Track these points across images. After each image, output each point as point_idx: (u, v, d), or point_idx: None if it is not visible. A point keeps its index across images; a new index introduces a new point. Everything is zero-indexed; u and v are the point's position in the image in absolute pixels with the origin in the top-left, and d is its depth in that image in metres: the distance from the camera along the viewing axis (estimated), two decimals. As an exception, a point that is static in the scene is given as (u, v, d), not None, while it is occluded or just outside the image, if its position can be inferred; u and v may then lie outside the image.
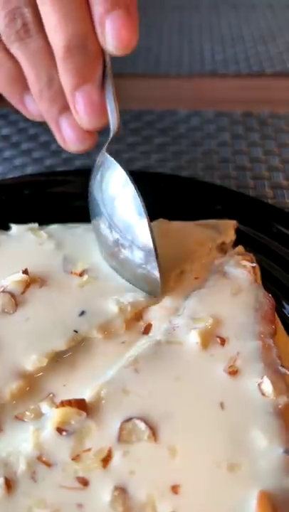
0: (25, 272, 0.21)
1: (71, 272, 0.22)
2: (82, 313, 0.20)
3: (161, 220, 0.23)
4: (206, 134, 0.35)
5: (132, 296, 0.20)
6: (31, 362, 0.18)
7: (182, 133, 0.35)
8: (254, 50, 0.47)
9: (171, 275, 0.21)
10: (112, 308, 0.20)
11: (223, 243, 0.23)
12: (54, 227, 0.24)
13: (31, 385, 0.18)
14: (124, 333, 0.20)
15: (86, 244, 0.22)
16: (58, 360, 0.19)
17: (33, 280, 0.21)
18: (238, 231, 0.24)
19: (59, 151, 0.32)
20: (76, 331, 0.19)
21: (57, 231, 0.23)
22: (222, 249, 0.23)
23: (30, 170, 0.32)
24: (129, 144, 0.34)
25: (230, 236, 0.23)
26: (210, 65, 0.45)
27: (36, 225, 0.24)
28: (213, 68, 0.44)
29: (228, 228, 0.23)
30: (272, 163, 0.33)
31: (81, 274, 0.22)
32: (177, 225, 0.23)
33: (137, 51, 0.46)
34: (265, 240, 0.24)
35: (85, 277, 0.21)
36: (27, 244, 0.23)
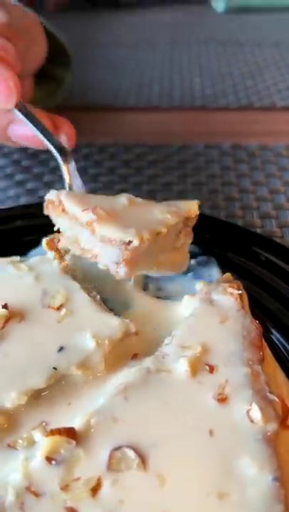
0: (4, 306, 0.21)
1: (49, 306, 0.21)
2: (61, 349, 0.20)
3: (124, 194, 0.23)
4: (196, 166, 0.37)
5: (110, 329, 0.20)
6: (11, 399, 0.18)
7: (173, 165, 0.36)
8: (242, 85, 0.49)
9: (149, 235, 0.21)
10: (90, 343, 0.19)
11: (187, 218, 0.23)
12: (35, 259, 0.24)
13: (9, 422, 0.18)
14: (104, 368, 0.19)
15: (64, 276, 0.23)
16: (37, 397, 0.18)
17: (12, 315, 0.21)
18: (227, 259, 0.25)
19: (52, 181, 0.33)
20: (55, 368, 0.19)
21: (38, 263, 0.23)
22: (187, 224, 0.23)
23: (23, 200, 0.33)
24: (121, 175, 0.35)
25: (195, 211, 0.23)
26: (200, 99, 0.46)
27: (18, 257, 0.24)
28: (203, 102, 0.46)
29: (191, 205, 0.23)
30: (260, 194, 0.34)
31: (59, 308, 0.21)
32: (141, 201, 0.24)
33: (128, 85, 0.48)
34: (254, 268, 0.24)
35: (63, 311, 0.21)
36: (7, 277, 0.23)
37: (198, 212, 0.23)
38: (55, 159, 0.25)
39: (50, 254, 0.23)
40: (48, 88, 0.39)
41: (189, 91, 0.47)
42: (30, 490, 0.15)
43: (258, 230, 0.30)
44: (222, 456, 0.16)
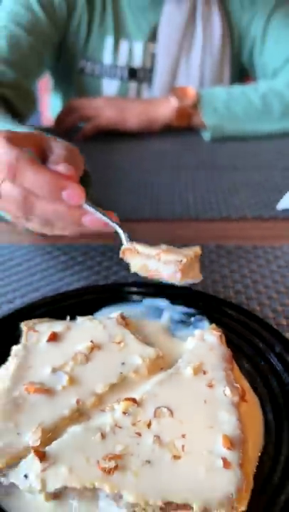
0: (91, 341, 0.36)
1: (113, 342, 0.37)
2: (123, 363, 0.34)
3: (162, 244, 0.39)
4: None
5: (148, 353, 0.35)
6: (100, 388, 0.33)
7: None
8: (223, 200, 0.66)
9: None
10: (138, 360, 0.34)
11: (196, 254, 0.39)
12: (101, 317, 0.40)
13: (100, 400, 0.33)
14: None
15: (119, 326, 0.38)
16: (113, 388, 0.34)
17: (94, 346, 0.36)
18: (213, 317, 0.41)
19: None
20: (121, 373, 0.34)
21: (103, 319, 0.39)
22: (197, 257, 0.39)
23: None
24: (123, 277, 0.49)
25: (199, 251, 0.39)
26: (194, 211, 0.62)
27: (91, 316, 0.40)
28: (195, 214, 0.63)
29: (197, 248, 0.39)
30: (235, 278, 0.50)
31: (119, 343, 0.36)
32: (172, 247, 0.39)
33: (142, 201, 0.65)
34: (227, 322, 0.40)
35: (122, 344, 0.36)
36: (88, 327, 0.39)
37: (200, 252, 0.39)
38: (118, 236, 0.39)
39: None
40: None
41: (186, 205, 0.65)
42: (116, 425, 0.30)
43: (233, 300, 0.46)
44: (211, 411, 0.31)
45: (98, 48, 0.94)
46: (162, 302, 0.41)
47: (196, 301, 0.41)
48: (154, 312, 0.41)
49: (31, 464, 0.27)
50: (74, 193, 0.38)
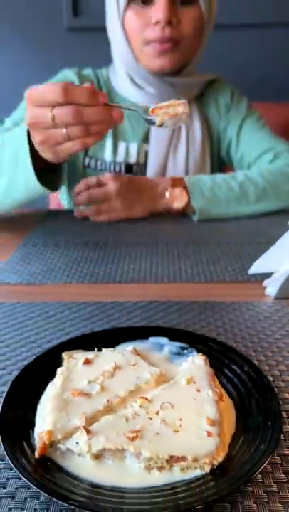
0: (114, 363, 0.51)
1: (128, 364, 0.52)
2: (137, 378, 0.49)
3: None
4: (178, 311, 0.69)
5: (155, 371, 0.50)
6: (122, 393, 0.46)
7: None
8: (208, 268, 0.84)
9: None
10: (148, 375, 0.47)
11: None
12: (121, 349, 0.54)
13: (123, 400, 0.47)
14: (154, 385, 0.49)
15: (133, 355, 0.53)
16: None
17: (116, 367, 0.51)
18: (199, 349, 0.55)
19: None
20: (136, 383, 0.49)
21: (122, 350, 0.54)
22: None
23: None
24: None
25: None
26: (184, 276, 0.81)
27: (112, 348, 0.55)
28: (186, 278, 0.80)
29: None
30: (218, 324, 0.66)
31: (134, 365, 0.52)
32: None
33: (142, 268, 0.83)
34: (210, 350, 0.55)
35: (135, 366, 0.49)
36: (111, 355, 0.53)
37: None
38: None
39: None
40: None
41: (178, 272, 0.82)
42: (135, 414, 0.44)
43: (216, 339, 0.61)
44: (199, 405, 0.44)
45: (100, 148, 1.15)
46: (163, 340, 0.56)
47: (188, 338, 0.56)
48: (157, 347, 0.55)
49: (80, 435, 0.41)
50: (103, 95, 0.61)
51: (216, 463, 0.39)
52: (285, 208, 1.02)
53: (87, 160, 1.17)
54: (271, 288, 0.69)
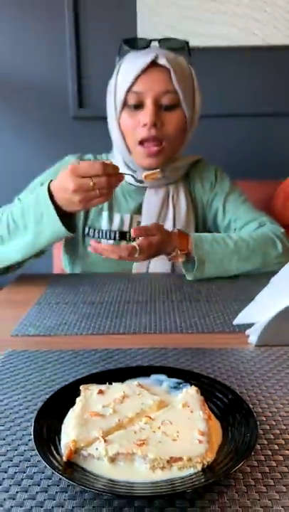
0: (123, 392, 0.62)
1: (134, 393, 0.63)
2: (142, 404, 0.60)
3: None
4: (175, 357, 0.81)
5: (156, 398, 0.62)
6: (130, 414, 0.57)
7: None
8: (199, 321, 0.97)
9: None
10: (150, 402, 0.59)
11: None
12: (128, 383, 0.66)
13: (131, 420, 0.58)
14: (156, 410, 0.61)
15: (139, 387, 0.65)
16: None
17: (125, 396, 0.62)
18: (193, 383, 0.67)
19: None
20: (142, 408, 0.60)
21: (129, 384, 0.66)
22: None
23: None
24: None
25: None
26: (180, 328, 0.94)
27: (121, 383, 0.67)
28: (180, 329, 0.93)
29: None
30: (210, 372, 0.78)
31: (139, 395, 0.63)
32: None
33: (142, 321, 0.98)
34: (201, 383, 0.67)
35: (140, 395, 0.62)
36: (120, 387, 0.65)
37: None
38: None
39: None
40: None
41: (173, 322, 0.95)
42: (141, 429, 0.55)
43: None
44: (192, 422, 0.55)
45: (97, 219, 1.34)
46: (162, 377, 0.68)
47: (183, 375, 0.68)
48: (158, 382, 0.67)
49: (99, 443, 0.52)
50: (118, 167, 0.92)
51: (205, 462, 0.50)
52: (266, 270, 1.17)
53: (86, 229, 1.34)
54: (253, 336, 0.82)
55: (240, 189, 1.30)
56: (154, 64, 1.06)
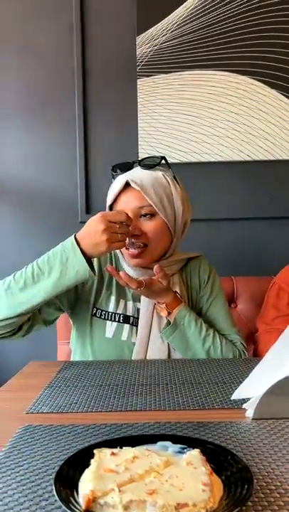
0: (133, 454, 0.69)
1: (144, 455, 0.70)
2: (151, 462, 0.68)
3: None
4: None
5: (162, 459, 0.69)
6: (140, 471, 0.64)
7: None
8: (195, 399, 1.05)
9: None
10: (158, 461, 0.67)
11: None
12: (137, 449, 0.73)
13: (141, 476, 0.65)
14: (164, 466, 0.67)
15: (144, 449, 0.72)
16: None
17: (135, 457, 0.69)
18: (195, 447, 0.74)
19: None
20: (150, 466, 0.67)
21: (138, 449, 0.73)
22: None
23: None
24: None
25: None
26: (172, 403, 1.01)
27: (131, 447, 0.73)
28: (176, 405, 1.00)
29: None
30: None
31: (148, 456, 0.70)
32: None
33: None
34: (203, 447, 0.73)
35: (149, 457, 0.69)
36: (130, 451, 0.72)
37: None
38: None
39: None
40: None
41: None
42: (151, 482, 0.61)
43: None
44: (196, 476, 0.62)
45: (105, 302, 1.46)
46: (167, 443, 0.75)
47: (187, 441, 0.75)
48: (164, 448, 0.74)
49: (114, 493, 0.59)
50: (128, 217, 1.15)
51: (208, 508, 0.57)
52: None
53: (94, 310, 1.46)
54: (250, 410, 0.90)
55: (224, 296, 1.48)
56: (128, 185, 1.25)
